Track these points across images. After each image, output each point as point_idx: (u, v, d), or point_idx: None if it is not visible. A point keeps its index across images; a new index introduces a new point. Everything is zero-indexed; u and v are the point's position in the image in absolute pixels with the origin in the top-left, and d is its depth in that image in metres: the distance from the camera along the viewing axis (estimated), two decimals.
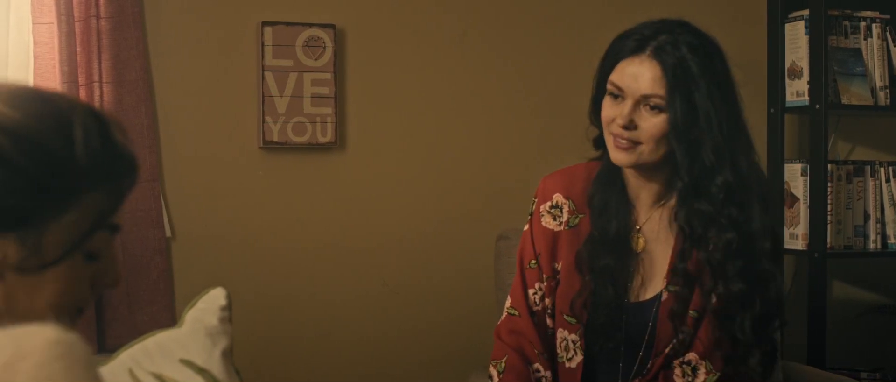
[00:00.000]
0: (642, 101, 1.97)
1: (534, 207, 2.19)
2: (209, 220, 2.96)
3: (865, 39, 3.28)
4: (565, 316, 2.11)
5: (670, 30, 1.99)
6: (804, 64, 3.22)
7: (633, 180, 2.10)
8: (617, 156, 2.01)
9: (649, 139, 1.97)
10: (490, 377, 2.17)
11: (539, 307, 2.15)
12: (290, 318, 3.03)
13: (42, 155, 1.02)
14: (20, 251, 1.02)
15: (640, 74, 1.97)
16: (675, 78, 1.94)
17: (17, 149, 1.01)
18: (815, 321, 3.19)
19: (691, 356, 2.07)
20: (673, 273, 2.06)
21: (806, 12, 3.21)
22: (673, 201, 2.08)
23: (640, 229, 2.11)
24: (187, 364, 1.76)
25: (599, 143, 2.13)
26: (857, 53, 3.26)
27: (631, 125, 1.97)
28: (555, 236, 2.14)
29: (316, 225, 3.05)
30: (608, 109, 2.01)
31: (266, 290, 2.99)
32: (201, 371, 1.75)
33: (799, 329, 3.19)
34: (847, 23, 3.27)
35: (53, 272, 1.04)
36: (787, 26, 3.29)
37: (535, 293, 2.15)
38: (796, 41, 3.26)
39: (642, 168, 2.06)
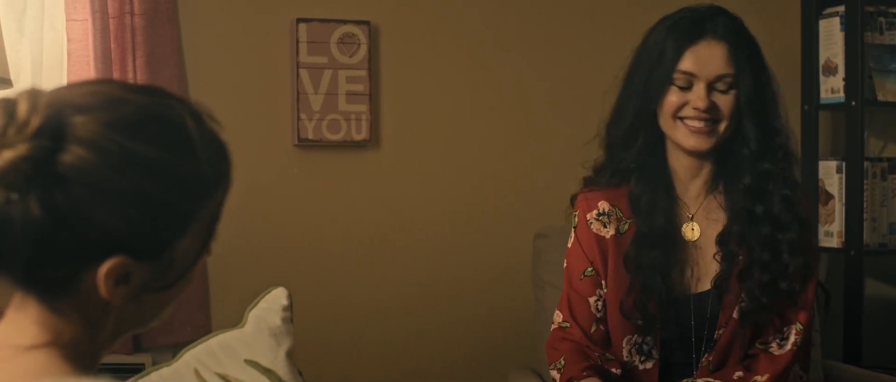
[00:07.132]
0: (715, 81, 2.06)
1: (577, 219, 2.19)
2: (243, 218, 2.93)
3: None
4: (624, 319, 2.11)
5: (718, 12, 2.11)
6: (839, 60, 3.20)
7: (684, 172, 2.15)
8: (694, 142, 2.07)
9: (725, 118, 2.06)
10: (553, 379, 2.15)
11: (602, 314, 2.16)
12: (326, 316, 3.00)
13: (180, 184, 1.00)
14: (152, 273, 1.00)
15: (711, 57, 2.05)
16: (740, 55, 2.06)
17: (159, 187, 0.98)
18: (851, 319, 3.17)
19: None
20: (721, 246, 2.11)
21: (841, 8, 3.19)
22: (721, 187, 2.14)
23: (693, 217, 2.14)
24: (252, 364, 1.74)
25: (610, 167, 2.17)
26: (893, 49, 3.24)
27: (711, 107, 2.05)
28: (605, 242, 2.15)
29: (351, 223, 3.02)
30: (675, 97, 2.08)
31: (301, 288, 2.95)
32: (266, 371, 1.74)
33: (835, 327, 3.17)
34: (882, 19, 3.25)
35: (181, 282, 1.03)
36: (822, 22, 3.26)
37: (599, 300, 2.16)
38: (831, 37, 3.23)
39: (703, 154, 2.11)
